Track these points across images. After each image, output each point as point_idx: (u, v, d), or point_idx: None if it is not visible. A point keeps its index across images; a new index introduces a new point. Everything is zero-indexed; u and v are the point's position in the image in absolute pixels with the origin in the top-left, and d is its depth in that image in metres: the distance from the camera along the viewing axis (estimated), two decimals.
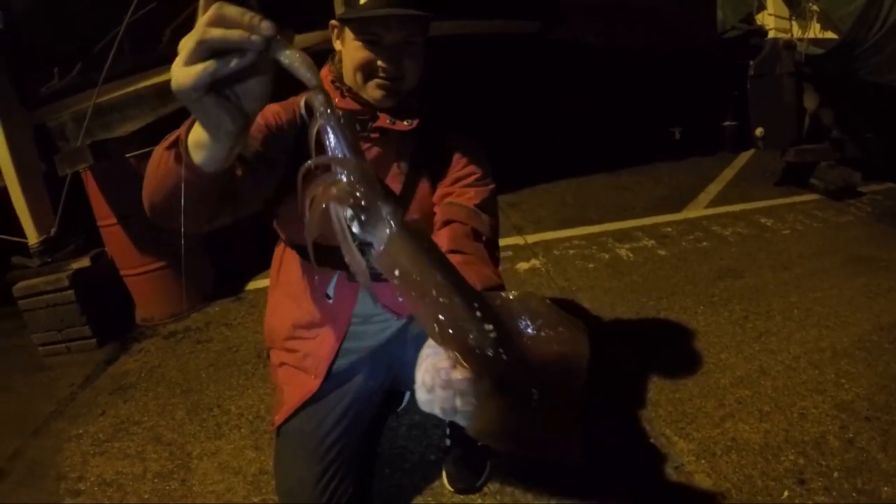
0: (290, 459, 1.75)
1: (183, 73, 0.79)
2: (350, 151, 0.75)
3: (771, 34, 5.05)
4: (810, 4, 4.82)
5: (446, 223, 1.54)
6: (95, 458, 2.69)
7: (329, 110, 0.75)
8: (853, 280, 3.28)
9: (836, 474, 2.02)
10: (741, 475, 2.07)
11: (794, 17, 5.01)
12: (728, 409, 2.40)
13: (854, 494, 1.93)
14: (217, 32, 0.76)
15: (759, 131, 5.56)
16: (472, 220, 1.52)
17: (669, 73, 7.20)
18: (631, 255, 4.11)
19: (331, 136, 0.75)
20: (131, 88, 4.44)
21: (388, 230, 0.76)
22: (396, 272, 0.77)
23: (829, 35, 4.77)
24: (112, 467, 2.62)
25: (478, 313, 0.80)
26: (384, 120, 1.53)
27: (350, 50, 1.46)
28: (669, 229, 4.48)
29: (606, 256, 4.13)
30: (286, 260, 1.85)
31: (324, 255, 1.55)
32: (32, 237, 3.94)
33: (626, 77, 7.16)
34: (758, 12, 5.13)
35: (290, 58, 0.77)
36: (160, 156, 1.11)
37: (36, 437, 2.93)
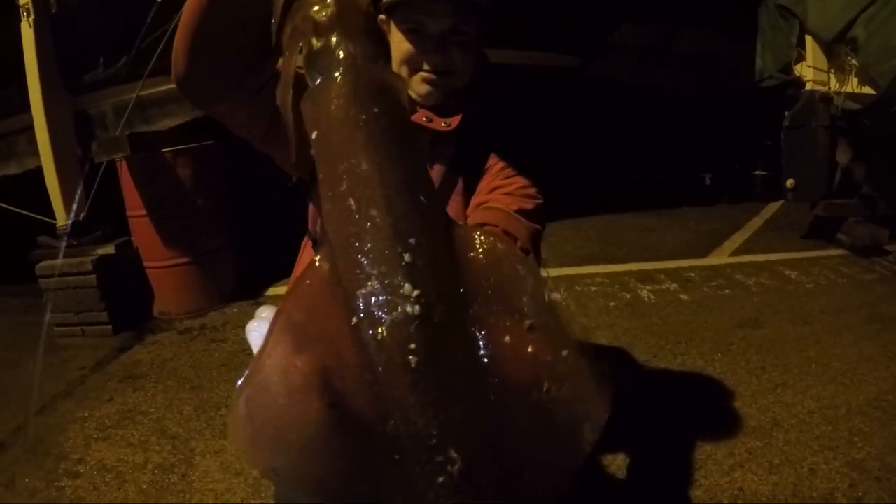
0: None
1: None
2: None
3: (808, 86, 5.04)
4: (849, 58, 4.81)
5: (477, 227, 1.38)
6: (98, 443, 2.73)
7: None
8: (874, 338, 3.25)
9: None
10: None
11: (832, 70, 5.01)
12: (738, 459, 2.39)
13: None
14: None
15: (790, 182, 5.54)
16: (504, 223, 1.26)
17: (704, 118, 7.21)
18: (652, 296, 4.11)
19: None
20: (174, 85, 4.52)
21: (327, 76, 0.56)
22: (313, 135, 0.56)
23: (867, 90, 4.75)
24: (114, 454, 2.65)
25: (407, 255, 0.50)
26: (420, 117, 1.36)
27: (396, 42, 1.33)
28: (693, 274, 4.48)
29: (628, 296, 4.14)
30: (305, 253, 1.69)
31: None
32: (61, 219, 4.07)
33: (661, 120, 7.17)
34: (796, 63, 5.13)
35: None
36: None
37: (41, 415, 2.97)
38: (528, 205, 1.34)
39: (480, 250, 0.54)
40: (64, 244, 3.98)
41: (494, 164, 1.42)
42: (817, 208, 5.17)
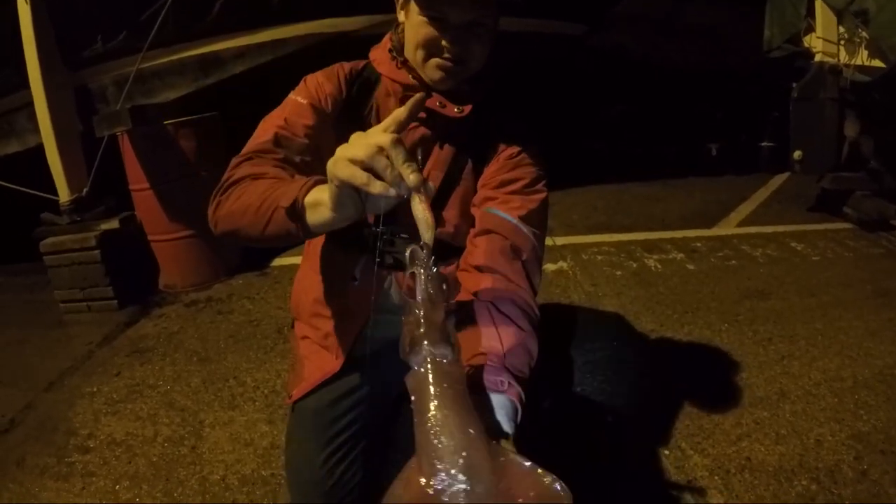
0: (301, 437, 1.74)
1: (345, 165, 0.95)
2: (430, 299, 0.90)
3: (817, 57, 4.98)
4: (860, 31, 4.75)
5: (485, 232, 1.44)
6: (107, 417, 2.75)
7: (427, 266, 0.91)
8: (879, 313, 3.26)
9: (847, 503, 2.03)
10: (753, 495, 2.08)
11: (842, 42, 4.95)
12: (745, 429, 2.41)
13: None
14: (377, 184, 0.93)
15: (797, 154, 5.50)
16: (513, 235, 1.41)
17: (711, 89, 7.15)
18: (659, 266, 4.11)
19: (421, 281, 0.91)
20: (175, 57, 4.52)
21: (420, 367, 0.90)
22: (412, 398, 0.89)
23: (877, 63, 4.70)
24: (123, 428, 2.67)
25: (455, 464, 0.85)
26: (434, 102, 1.44)
27: (413, 24, 1.36)
28: (699, 244, 4.47)
29: (634, 265, 4.14)
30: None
31: (351, 238, 1.54)
32: (64, 195, 4.03)
33: (668, 90, 7.12)
34: (805, 34, 5.08)
35: (418, 211, 0.93)
36: (269, 206, 1.20)
37: (49, 392, 2.99)
38: (534, 204, 1.45)
39: (520, 473, 0.87)
40: (67, 220, 4.01)
41: (503, 150, 1.50)
42: (824, 181, 5.15)
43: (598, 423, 2.50)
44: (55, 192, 4.07)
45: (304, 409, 1.74)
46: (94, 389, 2.98)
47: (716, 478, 2.16)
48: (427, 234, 0.93)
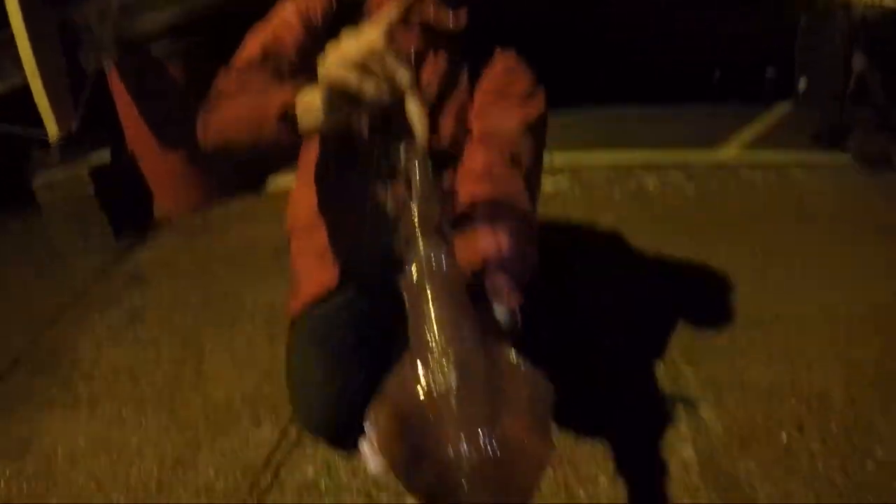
0: (301, 350, 1.74)
1: (336, 70, 0.95)
2: (424, 196, 0.95)
3: None
4: None
5: (484, 141, 1.43)
6: (109, 346, 2.77)
7: (423, 163, 0.95)
8: (876, 248, 3.23)
9: (834, 428, 2.05)
10: (744, 412, 2.11)
11: None
12: (739, 348, 2.43)
13: (848, 449, 1.96)
14: (370, 85, 0.93)
15: (802, 84, 5.43)
16: (512, 144, 1.41)
17: (716, 14, 6.96)
18: (658, 186, 4.07)
19: (416, 177, 0.95)
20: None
21: (415, 263, 0.93)
22: (406, 295, 0.93)
23: (889, 2, 4.59)
24: (126, 354, 2.70)
25: (447, 359, 0.88)
26: (428, 10, 1.41)
27: None
28: (699, 167, 4.40)
29: (633, 185, 4.10)
30: (312, 145, 1.75)
31: (345, 149, 1.54)
32: (53, 132, 3.93)
33: (672, 13, 6.92)
34: None
35: (413, 110, 0.94)
36: (259, 115, 1.18)
37: (51, 328, 2.99)
38: (532, 112, 1.47)
39: (513, 364, 0.93)
40: (58, 157, 3.92)
41: (500, 60, 1.50)
42: (828, 113, 5.09)
43: (595, 348, 2.50)
44: (44, 131, 3.97)
45: (304, 322, 1.74)
46: (96, 320, 3.00)
47: (708, 393, 2.19)
48: (422, 132, 0.94)
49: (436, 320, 0.88)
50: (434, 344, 0.87)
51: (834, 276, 2.95)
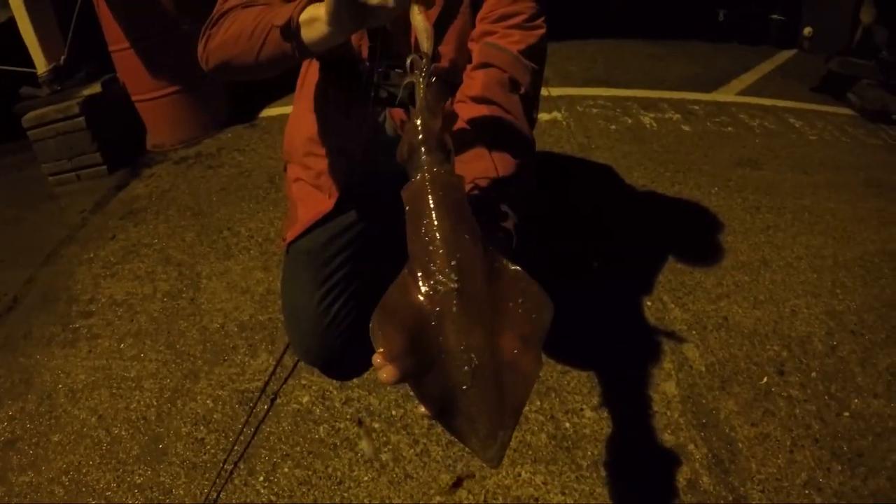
0: (296, 278, 1.74)
1: None
2: (428, 107, 0.92)
3: None
4: None
5: (483, 65, 1.39)
6: (106, 280, 2.75)
7: (427, 75, 0.92)
8: (868, 201, 3.23)
9: (813, 374, 2.07)
10: (726, 353, 2.12)
11: None
12: (725, 290, 2.43)
13: (826, 397, 1.98)
14: None
15: (807, 31, 5.33)
16: (511, 68, 1.37)
17: None
18: (654, 124, 4.01)
19: (420, 89, 0.93)
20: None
21: (417, 172, 0.92)
22: (407, 207, 0.91)
23: None
24: (122, 288, 2.68)
25: (448, 265, 0.86)
26: None
27: None
28: (696, 107, 4.36)
29: (629, 121, 4.04)
30: (311, 71, 1.70)
31: (345, 73, 1.51)
32: (41, 66, 3.82)
33: None
34: None
35: (417, 21, 0.95)
36: (263, 28, 1.18)
37: (48, 264, 2.97)
38: (533, 39, 1.41)
39: (514, 275, 0.91)
40: (48, 91, 3.81)
41: None
42: (832, 63, 5.00)
43: (582, 282, 2.50)
44: (32, 65, 3.85)
45: (299, 250, 1.73)
46: (91, 255, 2.97)
47: (693, 332, 2.20)
48: (426, 43, 0.94)
49: (437, 227, 0.87)
50: (434, 248, 0.86)
51: (824, 224, 2.95)
